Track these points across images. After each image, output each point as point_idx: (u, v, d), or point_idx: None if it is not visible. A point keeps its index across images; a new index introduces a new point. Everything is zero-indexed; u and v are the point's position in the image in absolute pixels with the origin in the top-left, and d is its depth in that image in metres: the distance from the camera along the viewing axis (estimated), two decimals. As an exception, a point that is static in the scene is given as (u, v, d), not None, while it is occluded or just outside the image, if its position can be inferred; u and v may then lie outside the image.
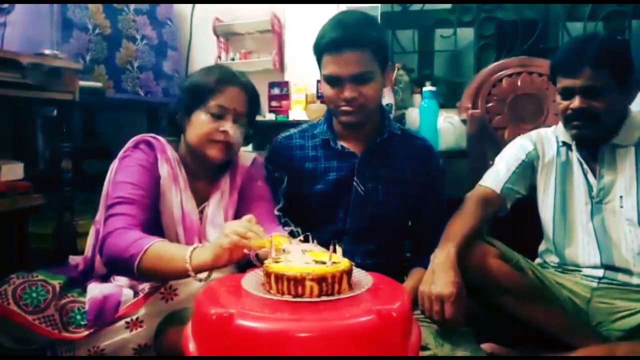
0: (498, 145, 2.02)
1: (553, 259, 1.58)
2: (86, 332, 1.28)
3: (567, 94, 1.46)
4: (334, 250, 0.95)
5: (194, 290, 1.28)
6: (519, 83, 2.18)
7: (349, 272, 0.94)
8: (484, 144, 2.14)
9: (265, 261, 0.97)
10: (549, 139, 1.62)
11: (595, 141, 1.50)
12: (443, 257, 1.31)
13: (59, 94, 1.84)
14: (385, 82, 1.50)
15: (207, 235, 1.42)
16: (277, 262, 0.96)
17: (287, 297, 0.89)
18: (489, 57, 2.79)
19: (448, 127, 2.35)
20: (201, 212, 1.45)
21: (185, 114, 1.43)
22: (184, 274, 1.15)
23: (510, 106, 2.16)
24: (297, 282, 0.89)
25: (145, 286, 1.36)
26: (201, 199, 1.46)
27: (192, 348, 0.88)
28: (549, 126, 1.70)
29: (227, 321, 0.82)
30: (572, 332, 1.40)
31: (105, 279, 1.44)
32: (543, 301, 1.41)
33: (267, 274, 0.92)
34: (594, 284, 1.48)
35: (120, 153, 1.42)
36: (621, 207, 1.46)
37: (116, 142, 1.49)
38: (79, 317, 1.31)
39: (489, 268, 1.37)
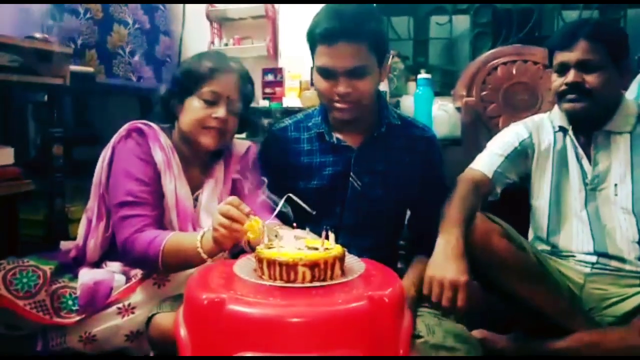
0: (492, 134, 1.99)
1: (543, 247, 1.57)
2: (77, 318, 1.29)
3: (562, 70, 1.47)
4: (327, 237, 0.94)
5: (186, 276, 1.27)
6: (513, 71, 2.16)
7: (341, 258, 0.93)
8: (479, 132, 2.13)
9: (257, 247, 0.96)
10: (544, 125, 1.61)
11: (589, 124, 1.50)
12: (452, 242, 1.28)
13: (50, 78, 1.81)
14: (381, 76, 1.43)
15: (201, 222, 1.41)
16: (269, 248, 0.95)
17: (279, 283, 0.89)
18: (485, 45, 2.76)
19: (442, 115, 2.33)
20: (195, 199, 1.44)
21: (178, 100, 1.41)
22: (203, 261, 1.17)
23: (505, 94, 2.15)
24: (290, 267, 0.88)
25: (137, 272, 1.36)
26: (195, 187, 1.44)
27: (183, 333, 0.87)
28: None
29: (219, 306, 0.82)
30: (567, 316, 1.40)
31: (97, 265, 1.43)
32: (543, 283, 1.40)
33: (260, 260, 0.92)
34: (587, 270, 1.48)
35: (113, 140, 1.41)
36: (616, 195, 1.46)
37: (107, 129, 1.47)
38: (70, 302, 1.31)
39: (494, 246, 1.35)
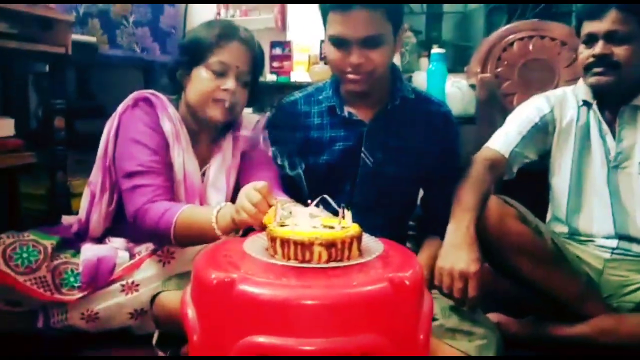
0: (506, 113, 1.96)
1: (562, 229, 1.53)
2: (79, 295, 1.26)
3: (590, 41, 1.42)
4: (343, 215, 0.89)
5: (192, 253, 1.25)
6: (530, 47, 2.09)
7: (359, 238, 0.88)
8: (494, 110, 2.07)
9: (269, 225, 0.90)
10: (567, 99, 1.55)
11: (615, 98, 1.45)
12: (462, 230, 1.24)
13: (50, 46, 1.74)
14: (396, 47, 1.36)
15: (208, 198, 1.37)
16: (282, 225, 0.90)
17: (293, 263, 0.83)
18: (499, 21, 2.67)
19: (456, 93, 2.26)
20: (202, 174, 1.40)
21: (185, 70, 1.36)
22: (217, 238, 1.13)
23: (520, 71, 2.09)
24: (305, 247, 0.83)
25: (141, 249, 1.34)
26: (202, 162, 1.40)
27: (190, 314, 0.82)
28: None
29: (229, 287, 0.76)
30: (584, 302, 1.36)
31: (99, 241, 1.41)
32: (560, 267, 1.36)
33: (272, 238, 0.86)
34: (607, 255, 1.44)
35: (119, 110, 1.36)
36: (639, 173, 1.41)
37: (111, 101, 1.43)
38: (72, 279, 1.28)
39: (509, 230, 1.31)
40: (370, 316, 0.75)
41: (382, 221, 1.39)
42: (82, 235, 1.42)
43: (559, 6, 2.68)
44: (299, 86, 1.60)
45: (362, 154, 1.40)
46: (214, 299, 0.78)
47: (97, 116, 1.97)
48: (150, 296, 1.24)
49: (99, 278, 1.27)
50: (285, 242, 0.84)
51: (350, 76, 1.32)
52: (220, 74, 1.31)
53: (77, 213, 1.46)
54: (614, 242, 1.43)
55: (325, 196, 1.02)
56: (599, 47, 1.39)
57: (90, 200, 1.39)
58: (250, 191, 1.05)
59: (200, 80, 1.32)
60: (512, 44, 2.11)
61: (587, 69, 1.44)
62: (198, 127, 1.40)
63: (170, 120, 1.34)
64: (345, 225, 0.88)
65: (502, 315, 1.44)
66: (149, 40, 2.54)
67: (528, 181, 1.58)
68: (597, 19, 1.38)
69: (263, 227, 0.97)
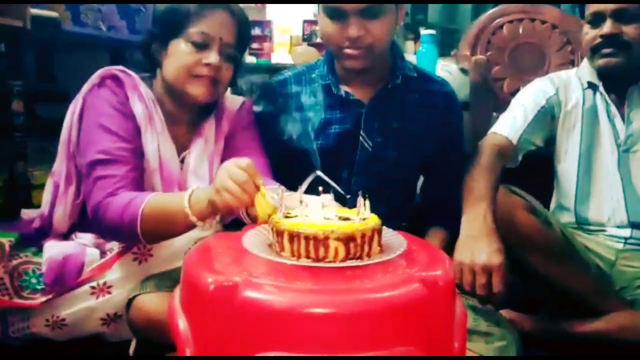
0: (497, 98, 1.94)
1: (568, 219, 1.45)
2: (43, 299, 1.14)
3: (596, 20, 1.35)
4: (363, 204, 0.76)
5: (172, 250, 1.15)
6: (520, 30, 2.04)
7: (380, 231, 0.75)
8: (489, 94, 2.00)
9: (273, 216, 0.77)
10: (571, 82, 1.48)
11: (623, 80, 1.39)
12: (479, 219, 1.14)
13: (6, 19, 1.56)
14: (398, 18, 1.26)
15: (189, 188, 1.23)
16: (287, 217, 0.76)
17: (304, 262, 0.70)
18: (487, 4, 2.60)
19: (446, 77, 2.14)
20: (181, 161, 1.26)
21: (161, 43, 1.22)
22: (191, 225, 1.02)
23: (511, 55, 2.03)
24: (319, 242, 0.69)
25: (113, 245, 1.20)
26: (181, 147, 1.27)
27: (182, 326, 0.68)
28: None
29: (230, 293, 0.63)
30: (597, 296, 1.30)
31: (65, 237, 1.27)
32: (572, 260, 1.30)
33: (279, 232, 0.72)
34: (620, 246, 1.38)
35: (84, 90, 1.22)
36: None
37: (74, 84, 1.28)
38: (34, 280, 1.15)
39: (518, 222, 1.24)
40: (403, 325, 0.63)
41: (382, 211, 1.27)
42: (45, 231, 1.27)
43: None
44: (281, 69, 1.47)
45: (360, 138, 1.30)
46: (212, 307, 0.64)
47: (60, 100, 1.81)
48: (126, 299, 1.11)
49: (65, 279, 1.14)
50: (294, 236, 0.71)
51: (348, 51, 1.22)
52: (202, 46, 1.18)
53: (38, 206, 1.32)
54: (627, 232, 1.37)
55: (319, 172, 0.91)
56: (607, 27, 1.33)
57: (54, 192, 1.25)
58: (233, 169, 0.92)
59: (179, 54, 1.18)
60: (501, 27, 2.05)
61: (595, 50, 1.37)
62: (176, 109, 1.26)
63: (142, 100, 1.20)
64: (364, 216, 0.75)
65: (514, 312, 1.36)
66: (116, 18, 2.34)
67: (522, 169, 1.49)
68: None
69: (256, 220, 0.85)
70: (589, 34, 1.37)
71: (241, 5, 1.27)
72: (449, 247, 1.16)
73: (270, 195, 0.86)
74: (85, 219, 1.25)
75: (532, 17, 2.04)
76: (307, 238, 0.70)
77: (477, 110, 1.98)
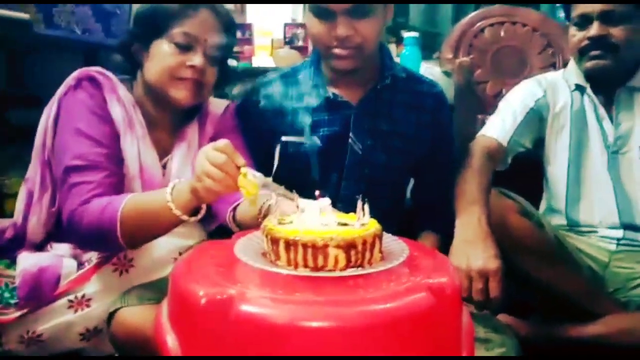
0: (480, 100, 1.94)
1: (559, 221, 1.44)
2: (17, 314, 1.09)
3: (583, 22, 1.34)
4: (362, 207, 0.72)
5: (155, 259, 1.12)
6: (502, 34, 2.05)
7: (380, 237, 0.71)
8: (473, 96, 2.00)
9: (266, 222, 0.72)
10: (558, 84, 1.47)
11: (611, 81, 1.38)
12: (473, 223, 1.11)
13: (-27, 20, 1.49)
14: (387, 17, 1.23)
15: None
16: (281, 223, 0.72)
17: (303, 271, 0.66)
18: (468, 7, 2.62)
19: (429, 79, 2.15)
20: (164, 167, 1.22)
21: (143, 44, 1.18)
22: (176, 221, 0.98)
23: (492, 58, 2.03)
24: (317, 250, 0.65)
25: (91, 255, 1.15)
26: (163, 152, 1.22)
27: (171, 343, 0.63)
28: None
29: (224, 307, 0.58)
30: (591, 299, 1.29)
31: (40, 248, 1.21)
32: (564, 262, 1.29)
33: (274, 240, 0.68)
34: (613, 247, 1.36)
35: (59, 92, 1.17)
36: None
37: (47, 90, 1.23)
38: (7, 294, 1.10)
39: (511, 225, 1.22)
40: (411, 336, 0.59)
41: (373, 216, 1.25)
42: (18, 241, 1.21)
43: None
44: (263, 72, 1.44)
45: (350, 140, 1.26)
46: (204, 322, 0.59)
47: (33, 105, 1.74)
48: (106, 312, 1.05)
49: (40, 292, 1.08)
50: (291, 244, 0.66)
51: (337, 51, 1.19)
52: (186, 47, 1.14)
53: (11, 215, 1.25)
54: (619, 233, 1.36)
55: (284, 137, 0.90)
56: (594, 29, 1.32)
57: (28, 200, 1.19)
58: (211, 152, 0.88)
59: (161, 56, 1.14)
60: (483, 30, 2.05)
61: (582, 52, 1.36)
62: (157, 112, 1.22)
63: (121, 103, 1.15)
64: (364, 222, 0.71)
65: (509, 316, 1.33)
66: (91, 21, 2.28)
67: (511, 172, 1.48)
68: None
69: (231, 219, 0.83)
70: (576, 36, 1.36)
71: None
72: (441, 251, 1.13)
73: (252, 174, 0.82)
74: (61, 228, 1.19)
75: (513, 20, 2.05)
76: (304, 246, 0.65)
77: (461, 113, 1.96)
